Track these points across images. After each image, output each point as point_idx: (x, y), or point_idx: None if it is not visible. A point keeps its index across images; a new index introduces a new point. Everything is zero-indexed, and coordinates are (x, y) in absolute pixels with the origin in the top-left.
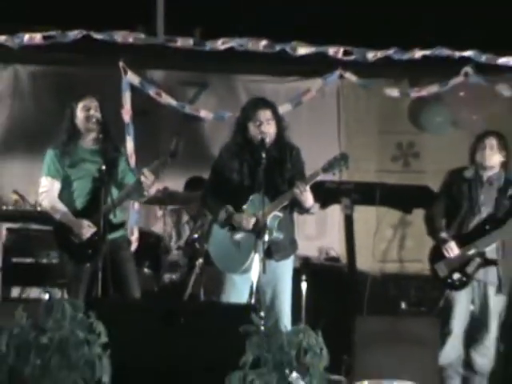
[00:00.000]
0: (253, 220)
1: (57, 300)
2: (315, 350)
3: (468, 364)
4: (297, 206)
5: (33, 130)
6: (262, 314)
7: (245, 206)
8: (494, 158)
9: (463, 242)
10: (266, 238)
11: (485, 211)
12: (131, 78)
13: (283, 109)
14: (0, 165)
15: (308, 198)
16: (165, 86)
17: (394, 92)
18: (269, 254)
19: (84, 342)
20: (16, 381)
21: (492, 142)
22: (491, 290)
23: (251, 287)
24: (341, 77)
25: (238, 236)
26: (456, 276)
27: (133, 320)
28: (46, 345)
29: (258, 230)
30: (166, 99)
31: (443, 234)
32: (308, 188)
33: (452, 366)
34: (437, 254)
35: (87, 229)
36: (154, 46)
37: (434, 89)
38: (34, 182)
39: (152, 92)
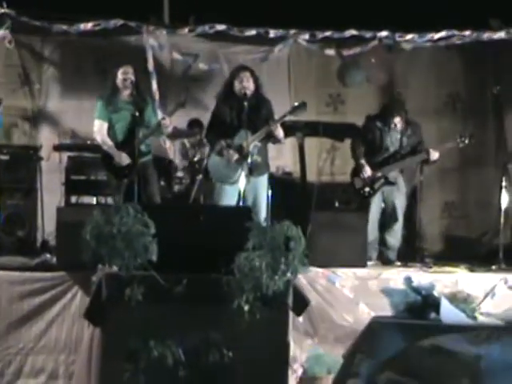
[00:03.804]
0: (236, 155)
1: (123, 204)
2: (296, 238)
3: (384, 243)
4: (272, 138)
5: (83, 87)
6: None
7: (235, 139)
8: (399, 123)
9: (374, 167)
10: (249, 160)
11: (391, 148)
12: (151, 41)
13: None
14: (60, 111)
15: (280, 132)
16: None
17: (331, 52)
18: (250, 171)
19: (140, 232)
20: (96, 259)
21: (397, 119)
22: (397, 197)
23: (238, 194)
24: (294, 42)
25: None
26: (366, 189)
27: (169, 217)
28: (115, 234)
29: (244, 154)
30: (176, 56)
31: (362, 160)
32: (279, 125)
33: (371, 244)
34: (356, 172)
35: (124, 159)
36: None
37: (358, 49)
38: (83, 122)
39: (166, 51)
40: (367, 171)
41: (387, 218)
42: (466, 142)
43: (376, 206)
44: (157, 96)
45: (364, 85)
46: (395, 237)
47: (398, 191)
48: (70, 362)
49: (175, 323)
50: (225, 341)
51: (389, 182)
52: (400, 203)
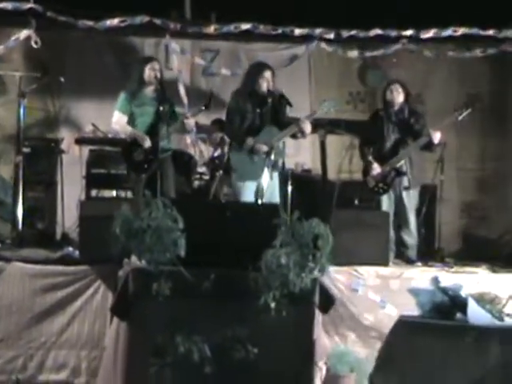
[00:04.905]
0: (265, 147)
1: (153, 199)
2: (324, 236)
3: (401, 243)
4: (300, 133)
5: (103, 81)
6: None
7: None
8: (397, 97)
9: (382, 161)
10: (273, 156)
11: (394, 137)
12: (174, 46)
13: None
14: (81, 106)
15: (308, 128)
16: (193, 52)
17: (354, 54)
18: (273, 167)
19: (169, 227)
20: (125, 253)
21: (395, 86)
22: (404, 192)
23: (257, 189)
24: (317, 46)
25: (255, 156)
26: (380, 185)
27: (196, 213)
28: (145, 229)
29: (269, 151)
30: (198, 60)
31: (369, 158)
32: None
33: None
34: (366, 171)
35: (147, 141)
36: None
37: (380, 52)
38: (104, 116)
39: (188, 55)
40: (375, 168)
41: (400, 217)
42: (464, 113)
43: (387, 205)
44: (185, 100)
45: (384, 84)
46: (411, 235)
47: (406, 189)
48: (92, 358)
49: (202, 319)
50: (251, 337)
51: (400, 173)
52: (409, 200)
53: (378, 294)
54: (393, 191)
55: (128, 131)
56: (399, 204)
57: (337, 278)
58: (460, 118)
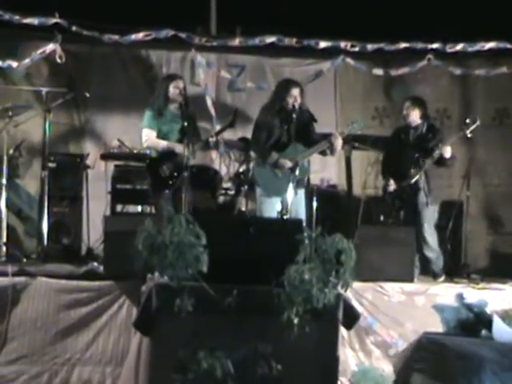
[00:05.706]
0: (289, 163)
1: (175, 215)
2: (347, 251)
3: (424, 258)
4: (330, 149)
5: (129, 96)
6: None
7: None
8: (412, 114)
9: (399, 178)
10: (297, 172)
11: (410, 154)
12: (200, 60)
13: None
14: (106, 120)
15: (340, 144)
16: (219, 66)
17: (379, 71)
18: (297, 184)
19: (192, 243)
20: (147, 269)
21: (407, 104)
22: (422, 208)
23: (281, 205)
24: (343, 61)
25: (279, 171)
26: (396, 202)
27: (219, 228)
28: (167, 245)
29: (293, 167)
30: (224, 74)
31: (387, 175)
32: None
33: None
34: (385, 188)
35: (181, 148)
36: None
37: (406, 70)
38: (129, 131)
39: (214, 68)
40: (391, 185)
41: (419, 233)
42: (473, 127)
43: (405, 222)
44: (213, 112)
45: None
46: (431, 250)
47: (422, 205)
48: (117, 376)
49: (225, 335)
50: (274, 353)
51: (416, 189)
52: (428, 216)
53: (402, 310)
54: (410, 207)
55: (161, 144)
56: (417, 220)
57: (361, 293)
58: (468, 131)
